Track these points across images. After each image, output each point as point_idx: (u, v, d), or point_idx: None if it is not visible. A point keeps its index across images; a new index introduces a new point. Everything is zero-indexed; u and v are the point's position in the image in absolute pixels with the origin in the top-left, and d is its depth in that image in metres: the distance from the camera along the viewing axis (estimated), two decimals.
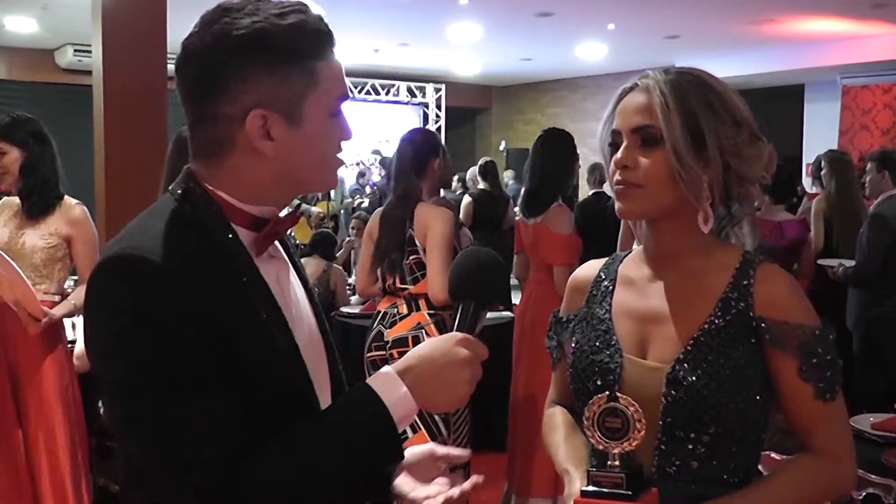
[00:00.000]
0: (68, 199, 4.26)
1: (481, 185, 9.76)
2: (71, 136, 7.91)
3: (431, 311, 4.05)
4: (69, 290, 4.30)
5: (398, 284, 4.09)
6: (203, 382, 1.27)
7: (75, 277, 4.42)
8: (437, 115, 15.87)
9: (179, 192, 1.42)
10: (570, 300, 1.92)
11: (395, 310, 4.08)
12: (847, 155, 6.80)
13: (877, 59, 11.02)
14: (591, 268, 1.91)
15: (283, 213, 1.47)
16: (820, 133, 12.27)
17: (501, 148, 16.40)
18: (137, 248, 1.30)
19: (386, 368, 1.37)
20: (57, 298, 4.20)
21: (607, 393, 1.56)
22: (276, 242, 1.50)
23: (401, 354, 4.09)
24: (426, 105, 15.72)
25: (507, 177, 12.90)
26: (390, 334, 4.03)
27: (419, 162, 4.13)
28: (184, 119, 1.42)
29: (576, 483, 1.69)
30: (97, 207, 6.10)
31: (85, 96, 6.85)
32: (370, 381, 1.37)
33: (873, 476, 2.76)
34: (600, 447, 1.55)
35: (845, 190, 6.20)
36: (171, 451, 1.26)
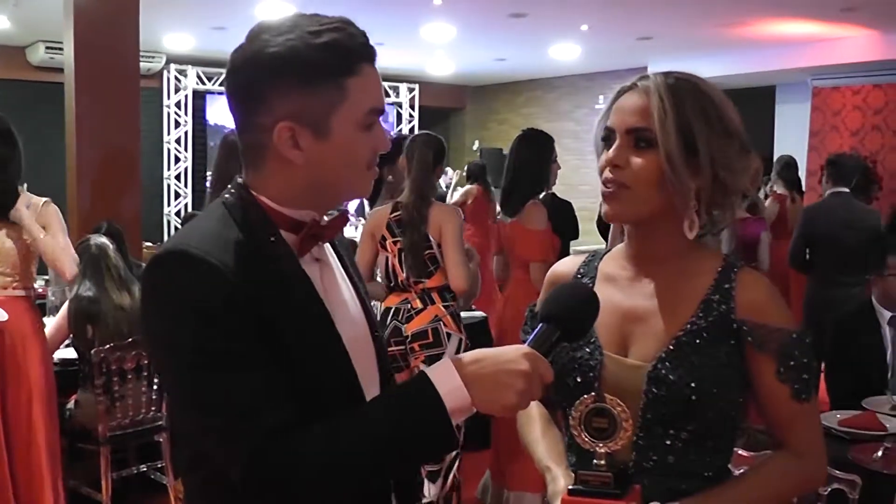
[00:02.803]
0: (35, 198, 4.18)
1: None
2: (43, 133, 7.84)
3: (445, 304, 4.33)
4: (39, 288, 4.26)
5: (412, 279, 4.31)
6: (250, 361, 1.37)
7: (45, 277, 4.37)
8: (411, 115, 15.80)
9: (227, 196, 1.53)
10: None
11: (409, 305, 4.34)
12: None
13: (847, 62, 11.10)
14: (569, 264, 1.92)
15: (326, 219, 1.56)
16: (791, 134, 12.31)
17: (475, 147, 16.37)
18: (185, 244, 1.42)
19: (445, 360, 1.41)
20: (27, 293, 4.15)
21: (594, 393, 1.57)
22: (328, 248, 1.61)
23: (421, 347, 4.20)
24: (400, 105, 15.65)
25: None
26: (409, 329, 4.29)
27: (433, 164, 4.46)
28: (156, 117, 1.43)
29: (559, 481, 1.70)
30: (69, 204, 6.05)
31: (57, 94, 6.78)
32: (428, 370, 1.41)
33: (839, 472, 2.78)
34: (587, 447, 1.56)
35: None
36: (225, 421, 1.36)
